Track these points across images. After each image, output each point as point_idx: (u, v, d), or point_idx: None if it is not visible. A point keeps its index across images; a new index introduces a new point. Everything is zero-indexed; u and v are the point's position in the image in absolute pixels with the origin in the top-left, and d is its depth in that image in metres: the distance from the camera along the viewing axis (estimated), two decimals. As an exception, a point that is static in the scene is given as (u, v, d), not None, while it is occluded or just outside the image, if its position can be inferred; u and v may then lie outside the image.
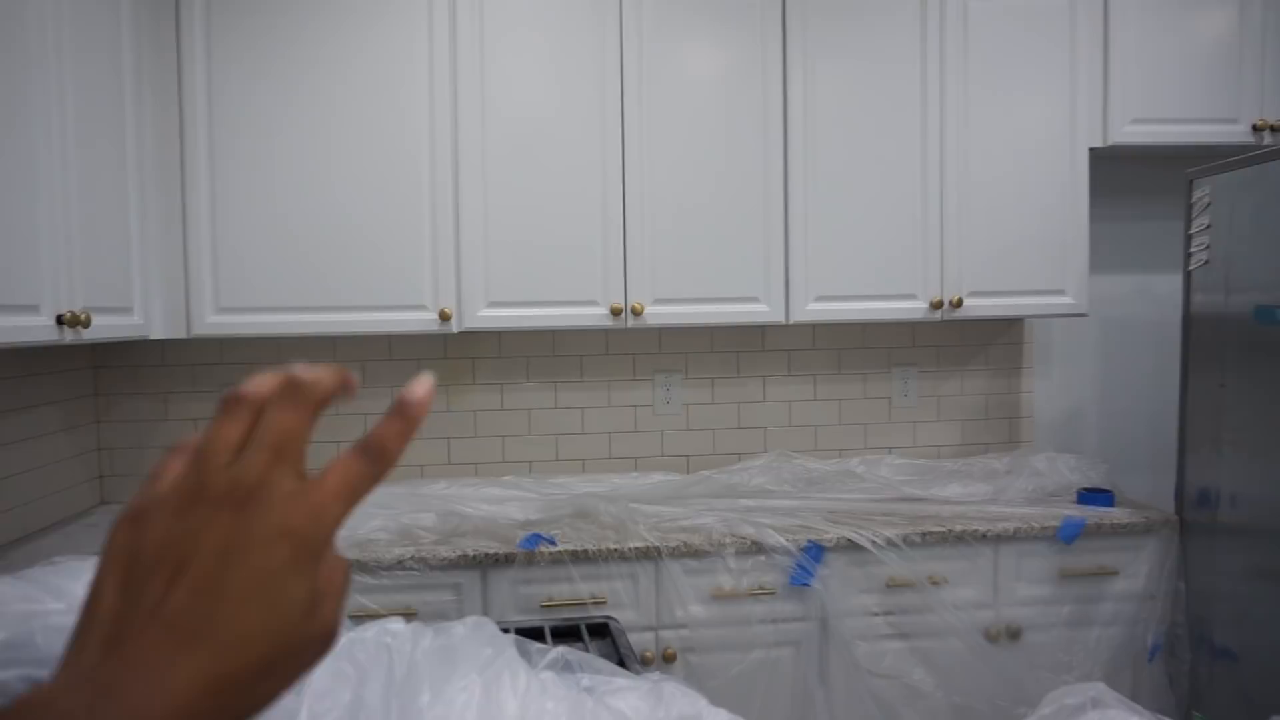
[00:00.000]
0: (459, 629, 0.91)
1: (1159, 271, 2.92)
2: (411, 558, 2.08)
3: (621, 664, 1.42)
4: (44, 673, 0.68)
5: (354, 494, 0.40)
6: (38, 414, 2.28)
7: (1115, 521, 2.29)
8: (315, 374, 0.43)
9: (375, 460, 0.41)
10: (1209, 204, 2.17)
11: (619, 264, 2.42)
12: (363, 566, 2.06)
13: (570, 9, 2.38)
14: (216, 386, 2.63)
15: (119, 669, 0.36)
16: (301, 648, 0.39)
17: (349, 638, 0.81)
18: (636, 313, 2.42)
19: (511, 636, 1.04)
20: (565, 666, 1.05)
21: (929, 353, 2.91)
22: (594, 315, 2.42)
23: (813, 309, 2.50)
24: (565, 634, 1.57)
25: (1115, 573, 2.30)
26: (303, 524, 0.39)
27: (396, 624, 0.85)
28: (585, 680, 1.01)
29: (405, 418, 0.42)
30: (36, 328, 1.66)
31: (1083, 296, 2.58)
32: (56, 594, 0.72)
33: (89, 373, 2.56)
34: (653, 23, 2.41)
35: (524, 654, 1.04)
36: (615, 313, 2.41)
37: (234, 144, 2.27)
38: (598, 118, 2.40)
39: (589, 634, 1.57)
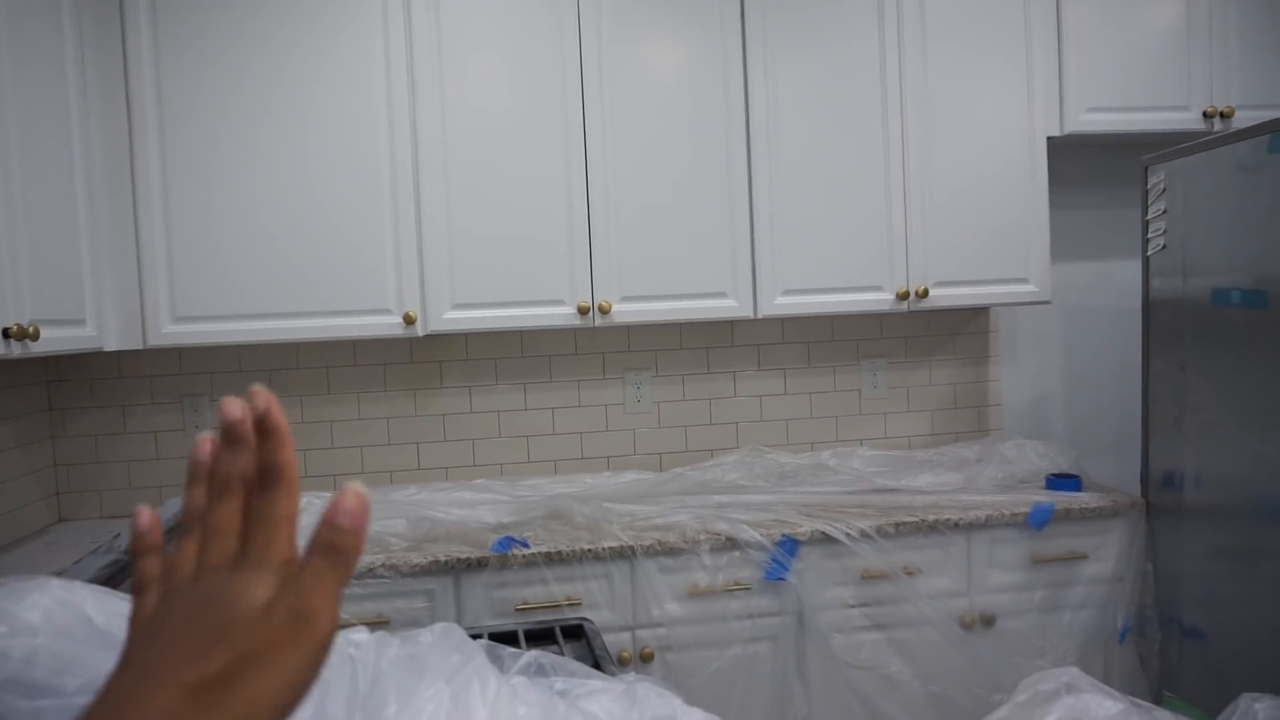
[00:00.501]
0: (426, 636, 0.89)
1: (1120, 258, 2.96)
2: (383, 565, 2.05)
3: (597, 665, 1.41)
4: (-15, 699, 0.65)
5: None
6: (-11, 431, 2.21)
7: (1084, 506, 2.32)
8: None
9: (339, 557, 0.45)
10: (1164, 190, 2.19)
11: (585, 263, 2.41)
12: (331, 576, 2.02)
13: (528, 7, 2.36)
14: (175, 398, 2.58)
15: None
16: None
17: (310, 650, 0.78)
18: (604, 311, 2.40)
19: (482, 642, 1.02)
20: (538, 670, 1.03)
21: (897, 344, 2.92)
22: (561, 315, 2.40)
23: (781, 303, 2.50)
24: (540, 637, 1.55)
25: (1085, 556, 2.32)
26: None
27: (360, 634, 0.83)
28: (559, 684, 0.99)
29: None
30: (-17, 341, 1.61)
31: (1045, 284, 2.60)
32: (-2, 616, 0.69)
33: (43, 387, 2.49)
34: (611, 20, 2.39)
35: (496, 659, 1.02)
36: (583, 311, 2.39)
37: (186, 150, 2.22)
38: (559, 115, 2.38)
39: (564, 636, 1.55)
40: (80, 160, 2.07)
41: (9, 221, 1.72)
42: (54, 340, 1.87)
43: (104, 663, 0.73)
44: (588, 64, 2.39)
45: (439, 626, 0.92)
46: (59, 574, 0.91)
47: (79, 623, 0.74)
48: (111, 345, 2.18)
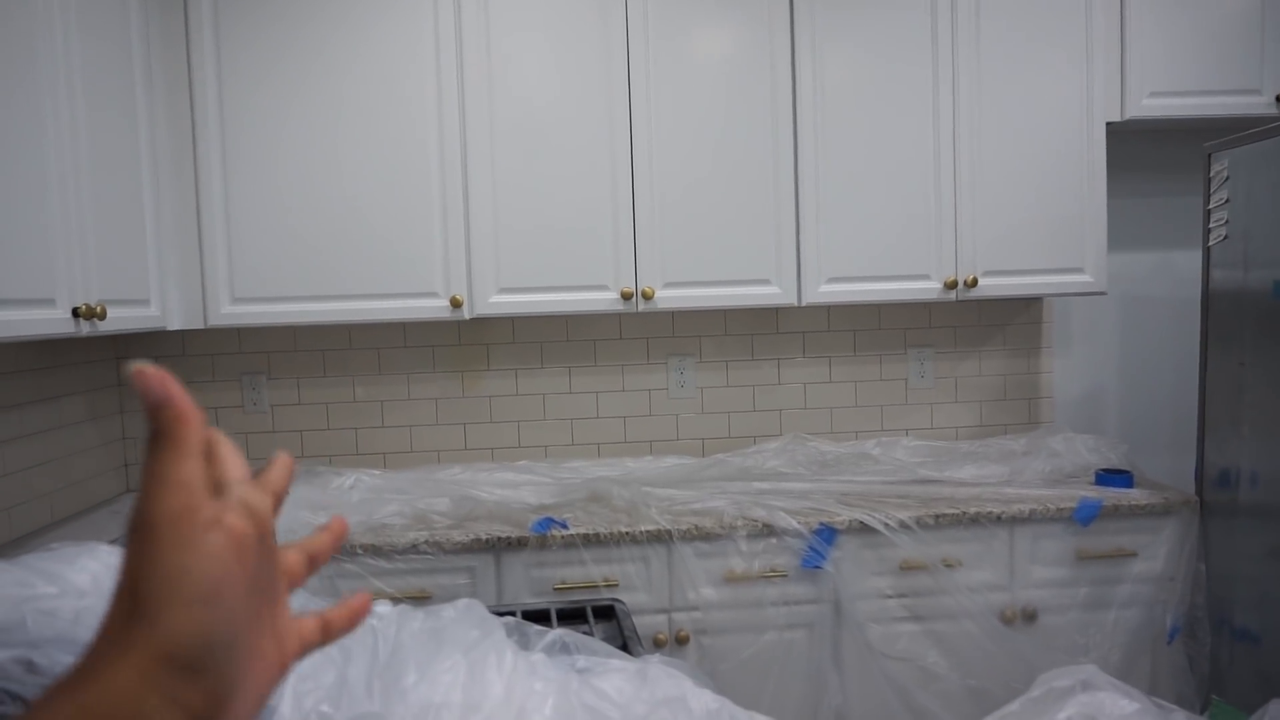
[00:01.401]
0: (448, 611, 0.93)
1: (1180, 248, 2.86)
2: (426, 541, 2.11)
3: (625, 646, 1.44)
4: (35, 654, 0.70)
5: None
6: (63, 404, 2.33)
7: (1133, 503, 2.26)
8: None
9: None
10: (1227, 178, 2.12)
11: (629, 248, 2.42)
12: (377, 550, 2.10)
13: (577, -7, 2.38)
14: (236, 375, 2.68)
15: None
16: None
17: (335, 620, 0.83)
18: (647, 296, 2.42)
19: (510, 620, 1.05)
20: (562, 649, 1.06)
21: (946, 333, 2.88)
22: (604, 299, 2.43)
23: (825, 290, 2.48)
24: (572, 616, 1.58)
25: (1134, 554, 2.27)
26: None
27: (384, 606, 0.87)
28: (581, 661, 1.02)
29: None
30: (53, 320, 1.70)
31: (1101, 274, 2.54)
32: (49, 579, 0.74)
33: (112, 363, 2.62)
34: (658, 7, 2.39)
35: (522, 636, 1.05)
36: (626, 297, 2.41)
37: (246, 135, 2.30)
38: (605, 102, 2.39)
39: (595, 616, 1.58)
40: (146, 147, 2.16)
41: (78, 205, 1.81)
42: (120, 320, 1.96)
43: (145, 625, 0.78)
44: (634, 51, 2.39)
45: (462, 602, 0.96)
46: (113, 542, 0.97)
47: (124, 587, 0.80)
48: (174, 325, 2.27)
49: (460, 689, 0.81)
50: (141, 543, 0.41)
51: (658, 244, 2.43)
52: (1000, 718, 0.88)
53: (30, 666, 0.69)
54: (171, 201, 2.27)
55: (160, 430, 0.43)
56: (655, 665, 0.91)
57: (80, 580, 0.77)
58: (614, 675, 0.90)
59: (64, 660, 0.70)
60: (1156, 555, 2.28)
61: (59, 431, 2.31)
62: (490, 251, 2.38)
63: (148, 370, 0.43)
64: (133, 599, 0.40)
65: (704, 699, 0.88)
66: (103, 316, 1.82)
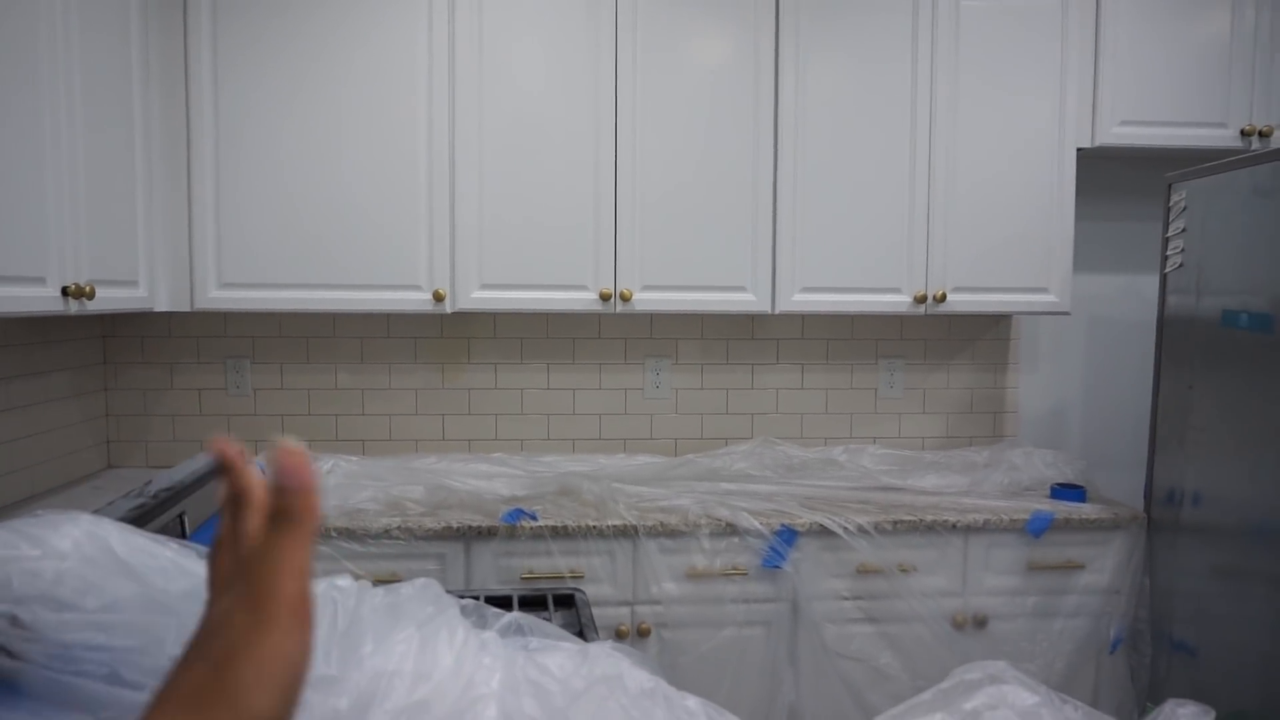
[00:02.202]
0: (406, 589, 0.99)
1: (1144, 272, 2.95)
2: (398, 527, 2.17)
3: (581, 634, 1.51)
4: (19, 610, 0.76)
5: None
6: (49, 380, 2.38)
7: (1084, 517, 2.35)
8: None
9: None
10: (1185, 208, 2.20)
11: (609, 250, 2.49)
12: (351, 534, 2.16)
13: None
14: (220, 358, 2.73)
15: None
16: None
17: (298, 591, 0.89)
18: (625, 298, 2.48)
19: (465, 602, 1.12)
20: (516, 630, 1.13)
21: (916, 346, 2.96)
22: (584, 299, 2.49)
23: (798, 299, 2.56)
24: (533, 603, 1.65)
25: (1082, 566, 2.36)
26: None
27: (344, 580, 0.93)
28: (533, 643, 1.08)
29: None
30: (43, 298, 1.75)
31: (1066, 295, 2.62)
32: (33, 541, 0.81)
33: (98, 341, 2.66)
34: (647, 15, 2.46)
35: (480, 618, 1.12)
36: (604, 298, 2.48)
37: (239, 124, 2.35)
38: (592, 105, 2.46)
39: (555, 604, 1.65)
40: (140, 131, 2.21)
41: (72, 185, 1.87)
42: (108, 300, 2.01)
43: (122, 588, 0.84)
44: (622, 57, 2.46)
45: (419, 581, 1.02)
46: (93, 512, 1.03)
47: (103, 553, 0.86)
48: (161, 306, 2.33)
49: (412, 659, 0.88)
50: (256, 615, 0.43)
51: (638, 247, 2.50)
52: (911, 705, 0.95)
53: (14, 621, 0.75)
54: (163, 186, 2.32)
55: (292, 513, 0.45)
56: (597, 646, 0.98)
57: (62, 545, 0.83)
58: (557, 653, 0.96)
59: (46, 616, 0.76)
60: (1104, 568, 2.37)
61: (43, 406, 2.36)
62: (474, 247, 2.44)
63: (294, 451, 0.45)
64: (219, 669, 0.42)
65: (639, 677, 0.94)
66: (91, 296, 1.87)
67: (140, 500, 1.14)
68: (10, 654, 0.74)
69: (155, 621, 0.84)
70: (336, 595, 0.90)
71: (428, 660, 0.89)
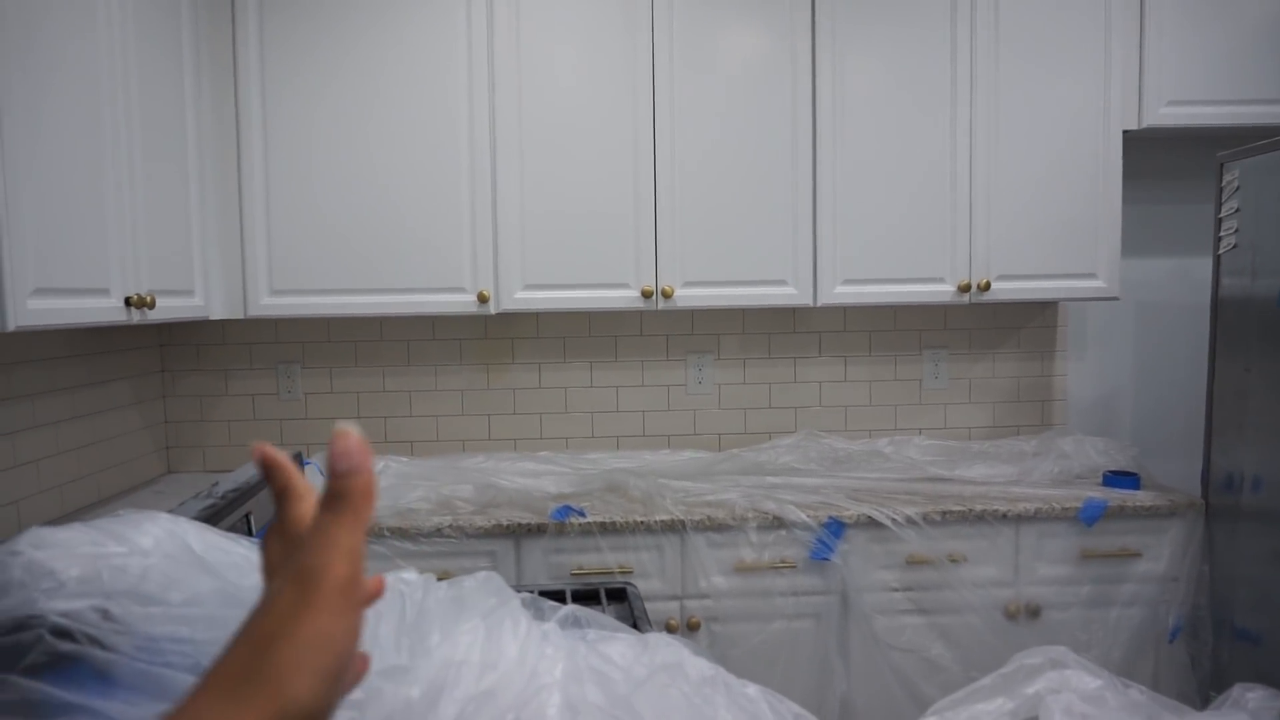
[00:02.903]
0: (469, 582, 1.02)
1: (1194, 255, 2.89)
2: (449, 526, 2.21)
3: (635, 626, 1.52)
4: (110, 604, 0.80)
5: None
6: (110, 388, 2.46)
7: (1139, 504, 2.31)
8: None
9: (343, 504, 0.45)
10: (1238, 188, 2.16)
11: (650, 247, 2.51)
12: (403, 533, 2.20)
13: None
14: (272, 363, 2.80)
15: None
16: None
17: (368, 584, 0.92)
18: (667, 295, 2.50)
19: (527, 595, 1.14)
20: (574, 623, 1.15)
21: (961, 335, 2.93)
22: (626, 297, 2.51)
23: (840, 292, 2.55)
24: (586, 597, 1.67)
25: (1138, 554, 2.32)
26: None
27: (410, 574, 0.96)
28: (591, 634, 1.11)
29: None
30: (107, 309, 1.82)
31: (1114, 280, 2.58)
32: (118, 539, 0.84)
33: (156, 350, 2.75)
34: (683, 11, 2.47)
35: (538, 610, 1.14)
36: (646, 295, 2.50)
37: (286, 134, 2.41)
38: (629, 103, 2.48)
39: (608, 598, 1.67)
40: (193, 143, 2.27)
41: (131, 198, 1.93)
42: (167, 309, 2.08)
43: (201, 583, 0.88)
44: (659, 54, 2.47)
45: (481, 574, 1.05)
46: (170, 511, 1.07)
47: (182, 550, 0.90)
48: (216, 314, 2.39)
49: (479, 649, 0.90)
50: (302, 595, 0.42)
51: (678, 244, 2.51)
52: (974, 690, 0.95)
53: (106, 614, 0.79)
54: (215, 196, 2.38)
55: (345, 495, 0.44)
56: (655, 635, 1.00)
57: (144, 542, 0.87)
58: (617, 643, 0.98)
59: (134, 610, 0.80)
60: (1160, 556, 2.33)
61: (106, 414, 2.44)
62: (516, 248, 2.47)
63: (351, 434, 0.44)
64: (262, 652, 0.40)
65: (699, 665, 0.96)
66: (152, 306, 1.94)
67: (210, 501, 1.18)
68: (104, 646, 0.78)
69: (233, 615, 0.87)
70: (404, 588, 0.92)
71: (493, 650, 0.91)
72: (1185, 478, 2.82)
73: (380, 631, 0.86)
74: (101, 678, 0.78)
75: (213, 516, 1.14)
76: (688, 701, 0.92)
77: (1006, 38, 2.52)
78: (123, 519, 0.91)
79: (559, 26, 2.45)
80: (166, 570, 0.86)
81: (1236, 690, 0.99)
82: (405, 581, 0.94)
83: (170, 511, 1.02)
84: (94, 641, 0.77)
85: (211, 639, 0.84)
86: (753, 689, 0.96)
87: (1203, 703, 2.29)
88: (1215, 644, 2.27)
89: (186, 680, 0.81)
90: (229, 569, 0.92)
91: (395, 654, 0.85)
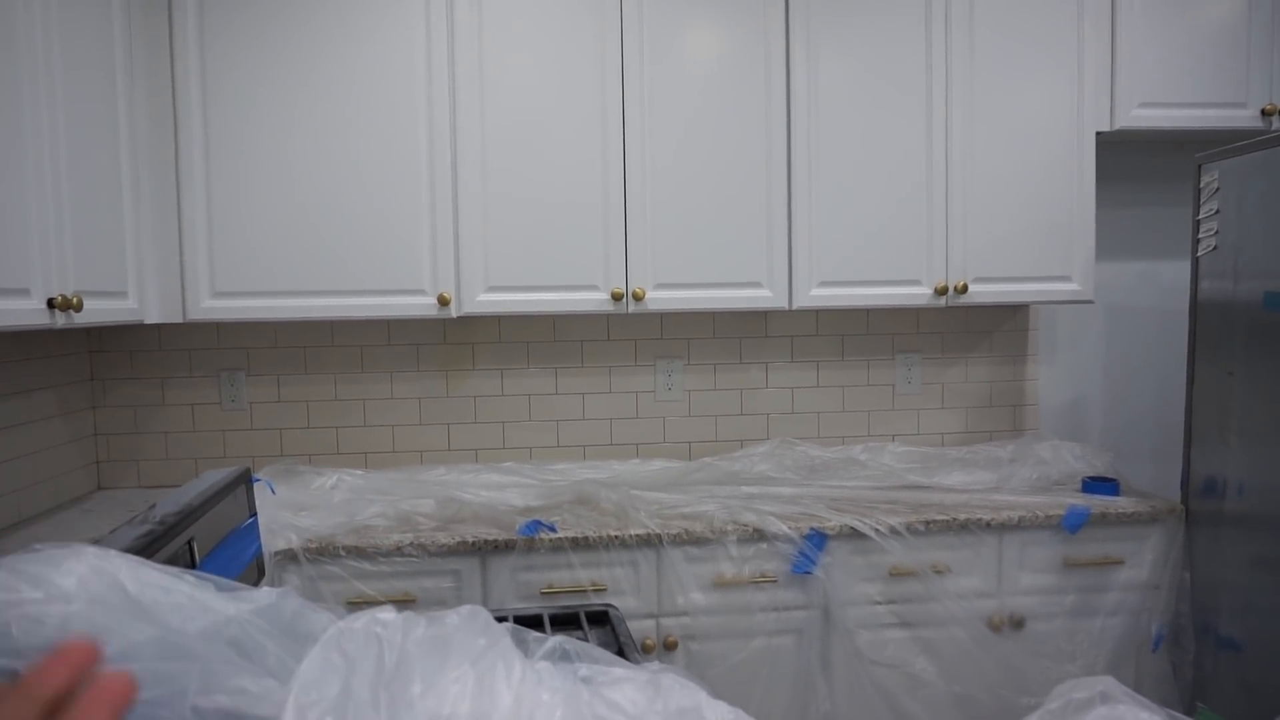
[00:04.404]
0: (452, 619, 0.89)
1: (1166, 258, 2.89)
2: (410, 544, 2.07)
3: (621, 653, 1.41)
4: (20, 664, 0.66)
5: None
6: (34, 398, 2.26)
7: (1120, 511, 2.27)
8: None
9: None
10: (1218, 189, 2.13)
11: (620, 249, 2.40)
12: (361, 553, 2.05)
13: (571, -11, 2.35)
14: (214, 371, 2.61)
15: None
16: None
17: (337, 628, 0.79)
18: (638, 298, 2.39)
19: (507, 626, 1.02)
20: (563, 656, 1.03)
21: (933, 339, 2.88)
22: (595, 300, 2.39)
23: (816, 294, 2.47)
24: (565, 622, 1.55)
25: (1120, 562, 2.28)
26: None
27: (387, 614, 0.83)
28: (583, 670, 0.98)
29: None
30: (27, 311, 1.64)
31: (1088, 283, 2.55)
32: (34, 582, 0.70)
33: (85, 357, 2.54)
34: (652, 6, 2.37)
35: (520, 643, 1.02)
36: (616, 298, 2.38)
37: (229, 127, 2.24)
38: (598, 102, 2.36)
39: (588, 622, 1.55)
40: (125, 135, 2.10)
41: (55, 193, 1.75)
42: (96, 311, 1.90)
43: (136, 631, 0.74)
44: (628, 50, 2.37)
45: (465, 609, 0.92)
46: (95, 542, 0.92)
47: (113, 590, 0.75)
48: (152, 318, 2.21)
49: (469, 699, 0.78)
50: None
51: (649, 245, 2.40)
52: (1020, 731, 0.86)
53: (15, 678, 0.64)
54: (151, 192, 2.20)
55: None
56: (667, 675, 0.88)
57: (67, 584, 0.73)
58: (625, 686, 0.86)
59: (52, 670, 0.66)
60: (1142, 563, 2.29)
61: (28, 427, 2.23)
62: (479, 249, 2.34)
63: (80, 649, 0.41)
64: None
65: (720, 710, 0.85)
66: (79, 308, 1.76)
67: (147, 527, 1.03)
68: (12, 716, 0.64)
69: (175, 668, 0.73)
70: (381, 631, 0.79)
71: (485, 700, 0.79)
72: (1156, 482, 2.81)
73: (354, 684, 0.73)
74: (10, 756, 0.64)
75: (149, 546, 1.00)
76: (707, 753, 0.81)
77: (981, 39, 2.47)
78: (39, 556, 0.76)
79: (523, 19, 2.33)
80: (93, 618, 0.71)
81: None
82: (382, 623, 0.81)
83: (98, 543, 0.87)
84: (1, 712, 0.63)
85: (150, 698, 0.70)
86: (777, 734, 0.85)
87: (1187, 713, 2.25)
88: (1198, 652, 2.24)
89: (119, 753, 0.67)
90: (170, 612, 0.78)
91: (373, 711, 0.72)
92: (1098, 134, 2.54)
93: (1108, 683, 0.89)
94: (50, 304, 1.70)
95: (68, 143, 1.81)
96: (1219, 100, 2.55)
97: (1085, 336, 2.93)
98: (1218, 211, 2.15)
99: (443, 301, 2.31)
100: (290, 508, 2.15)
